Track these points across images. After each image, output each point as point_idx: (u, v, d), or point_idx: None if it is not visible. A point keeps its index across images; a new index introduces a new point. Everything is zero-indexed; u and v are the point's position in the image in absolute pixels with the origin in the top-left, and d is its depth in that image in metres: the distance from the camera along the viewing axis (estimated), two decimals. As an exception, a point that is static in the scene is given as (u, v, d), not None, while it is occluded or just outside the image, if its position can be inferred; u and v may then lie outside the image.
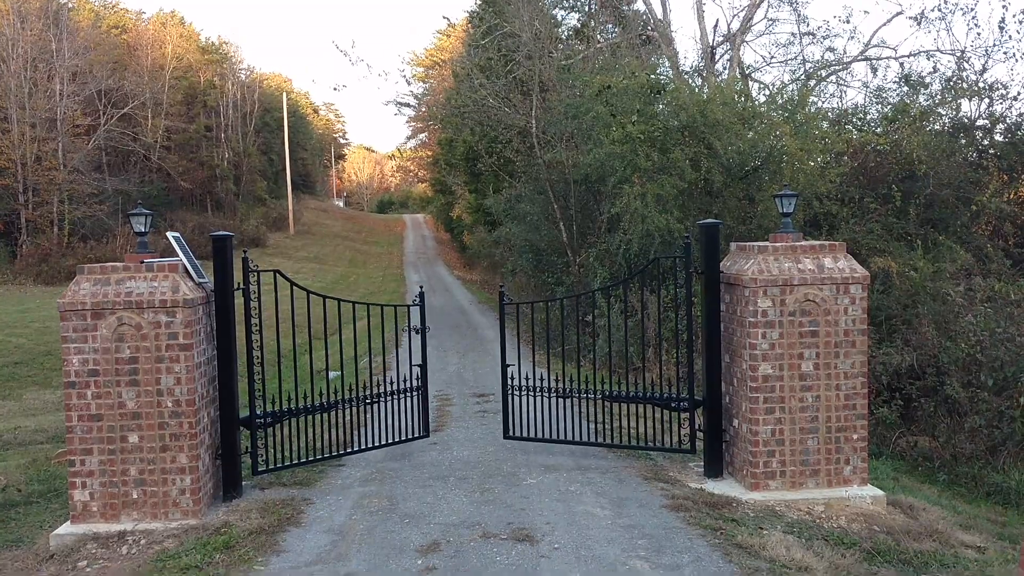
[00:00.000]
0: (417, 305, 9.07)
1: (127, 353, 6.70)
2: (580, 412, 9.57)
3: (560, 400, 8.74)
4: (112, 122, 42.24)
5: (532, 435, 8.86)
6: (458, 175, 35.26)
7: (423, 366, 9.02)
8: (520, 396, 8.89)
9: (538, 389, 8.84)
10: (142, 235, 7.13)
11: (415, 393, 9.01)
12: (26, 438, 12.99)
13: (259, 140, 59.19)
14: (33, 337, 21.47)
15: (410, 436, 8.98)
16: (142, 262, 6.87)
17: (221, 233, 7.40)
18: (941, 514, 7.42)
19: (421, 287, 9.56)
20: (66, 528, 6.77)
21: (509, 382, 8.90)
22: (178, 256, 7.11)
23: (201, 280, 7.19)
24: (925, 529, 6.71)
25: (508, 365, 8.87)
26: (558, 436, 8.79)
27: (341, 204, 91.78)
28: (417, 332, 8.92)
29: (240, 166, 54.36)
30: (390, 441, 8.83)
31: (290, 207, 57.44)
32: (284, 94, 62.82)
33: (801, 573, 5.40)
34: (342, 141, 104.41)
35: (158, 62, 48.60)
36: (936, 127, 16.50)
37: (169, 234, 7.37)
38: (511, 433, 8.93)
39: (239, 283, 7.43)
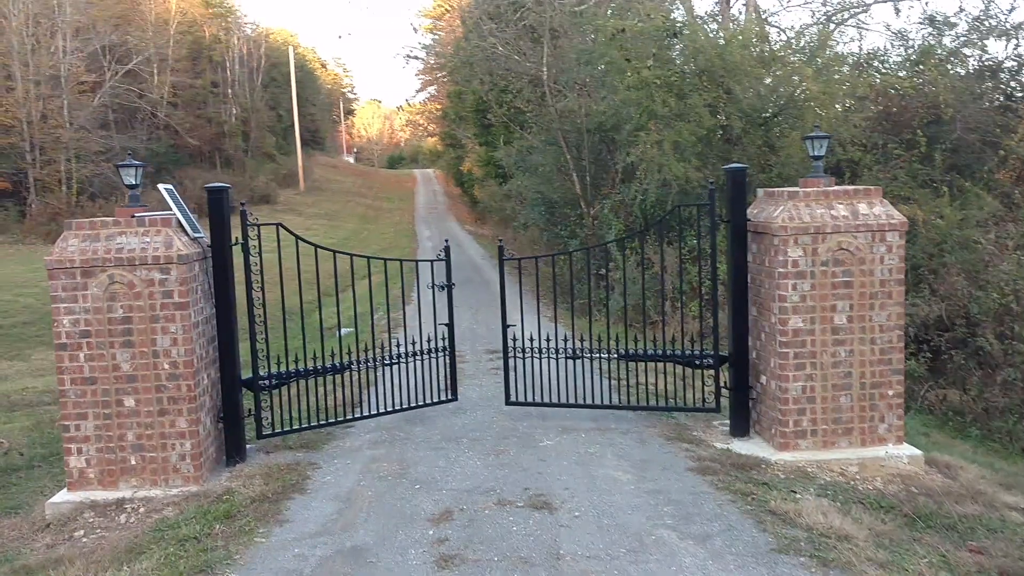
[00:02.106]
0: (442, 260, 8.48)
1: (120, 313, 6.34)
2: (596, 368, 9.15)
3: (571, 360, 8.22)
4: (117, 78, 41.57)
5: (538, 400, 8.33)
6: (468, 128, 34.64)
7: (450, 325, 8.46)
8: (524, 359, 8.34)
9: (544, 350, 8.25)
10: (133, 188, 6.71)
11: (441, 354, 8.49)
12: (33, 399, 12.83)
13: (267, 96, 58.34)
14: (41, 297, 21.25)
15: (435, 400, 8.49)
16: (133, 216, 6.47)
17: (217, 185, 6.98)
18: (981, 473, 7.04)
19: (447, 241, 9.02)
20: (63, 496, 6.48)
21: (511, 343, 8.36)
22: (171, 210, 6.71)
23: (197, 235, 6.80)
24: (967, 490, 6.33)
25: (509, 325, 8.32)
26: (567, 400, 8.24)
27: (351, 160, 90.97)
28: (442, 289, 8.37)
29: (248, 122, 53.64)
30: (413, 404, 8.29)
31: (300, 163, 56.80)
32: (291, 48, 61.80)
33: (841, 543, 5.01)
34: (351, 96, 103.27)
35: (162, 16, 47.73)
36: (961, 70, 15.86)
37: (161, 186, 6.97)
38: (513, 399, 8.38)
39: (237, 237, 7.03)
